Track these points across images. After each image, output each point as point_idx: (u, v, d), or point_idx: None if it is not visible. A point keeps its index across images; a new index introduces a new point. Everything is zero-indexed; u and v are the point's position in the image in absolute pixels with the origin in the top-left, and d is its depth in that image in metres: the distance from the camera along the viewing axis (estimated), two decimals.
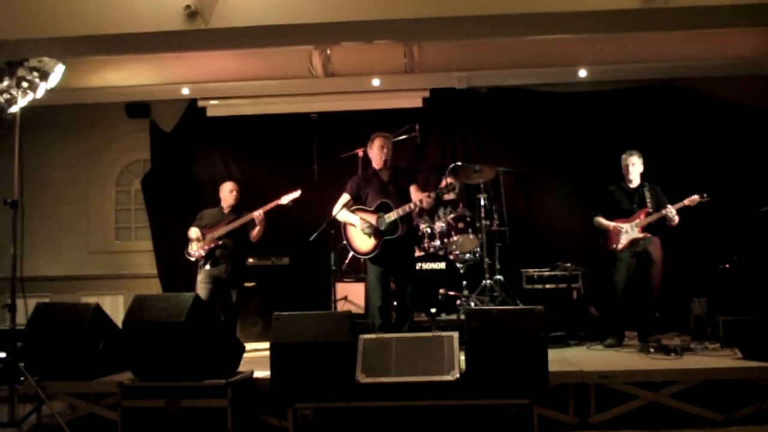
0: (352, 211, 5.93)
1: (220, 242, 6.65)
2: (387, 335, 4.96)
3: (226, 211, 6.87)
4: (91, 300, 8.26)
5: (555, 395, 4.85)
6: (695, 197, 6.22)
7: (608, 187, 6.58)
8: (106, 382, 5.41)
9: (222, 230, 6.67)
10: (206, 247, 6.66)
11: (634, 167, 6.41)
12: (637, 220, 6.30)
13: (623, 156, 6.48)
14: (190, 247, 6.73)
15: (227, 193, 6.89)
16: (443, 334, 4.75)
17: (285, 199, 6.71)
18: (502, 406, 4.44)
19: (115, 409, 5.17)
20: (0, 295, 7.74)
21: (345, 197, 6.00)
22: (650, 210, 6.30)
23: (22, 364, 5.38)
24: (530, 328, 4.60)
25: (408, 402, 4.52)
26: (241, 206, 6.90)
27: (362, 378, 4.61)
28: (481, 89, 8.39)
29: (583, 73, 7.91)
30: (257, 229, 6.68)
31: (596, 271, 7.42)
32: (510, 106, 8.35)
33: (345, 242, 6.03)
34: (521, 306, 6.48)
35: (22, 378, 5.37)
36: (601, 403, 4.93)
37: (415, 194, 5.82)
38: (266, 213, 6.68)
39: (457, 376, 4.54)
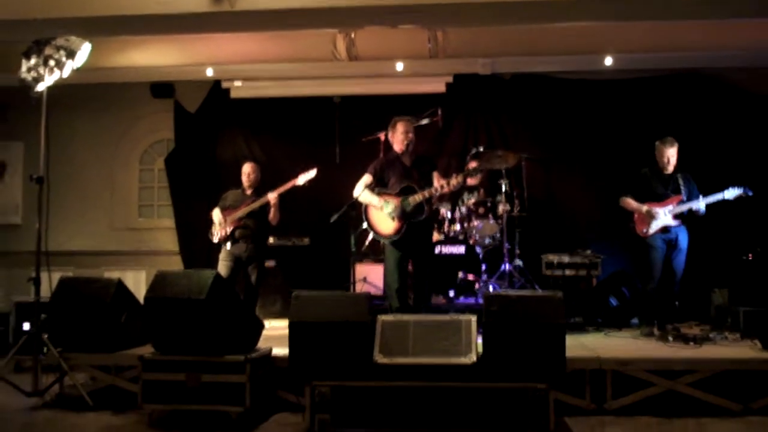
0: (375, 194, 5.89)
1: (241, 222, 6.72)
2: (405, 316, 4.97)
3: (248, 192, 6.93)
4: (114, 275, 8.39)
5: (572, 380, 4.88)
6: (737, 191, 6.11)
7: (641, 169, 6.47)
8: (127, 354, 5.51)
9: (242, 211, 6.74)
10: (228, 228, 6.73)
11: (672, 156, 6.32)
12: (671, 206, 6.24)
13: (659, 143, 6.37)
14: (212, 228, 6.82)
15: (244, 174, 6.96)
16: (461, 317, 4.76)
17: (301, 179, 6.72)
18: (518, 390, 4.44)
19: (135, 381, 5.27)
20: (26, 269, 7.94)
21: (368, 178, 5.97)
22: (683, 198, 6.25)
23: (46, 336, 5.50)
24: (549, 313, 4.60)
25: (424, 383, 4.55)
26: (262, 187, 6.94)
27: (380, 358, 4.64)
28: (505, 75, 8.36)
29: (609, 60, 7.84)
30: (272, 212, 6.73)
31: (617, 258, 7.43)
32: (534, 92, 8.31)
33: (366, 224, 6.00)
34: (540, 291, 6.47)
35: (45, 349, 5.49)
36: (618, 390, 4.96)
37: (438, 180, 5.79)
38: (286, 194, 6.73)
39: (474, 359, 4.56)
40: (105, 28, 5.92)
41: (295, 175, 6.80)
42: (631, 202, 6.43)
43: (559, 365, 4.54)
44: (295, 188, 6.77)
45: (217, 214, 6.86)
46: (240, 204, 6.82)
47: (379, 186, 5.95)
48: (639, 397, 4.94)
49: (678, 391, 4.92)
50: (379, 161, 6.16)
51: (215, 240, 6.81)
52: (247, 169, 7.00)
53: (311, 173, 6.73)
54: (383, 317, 4.85)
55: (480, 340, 4.69)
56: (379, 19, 6.13)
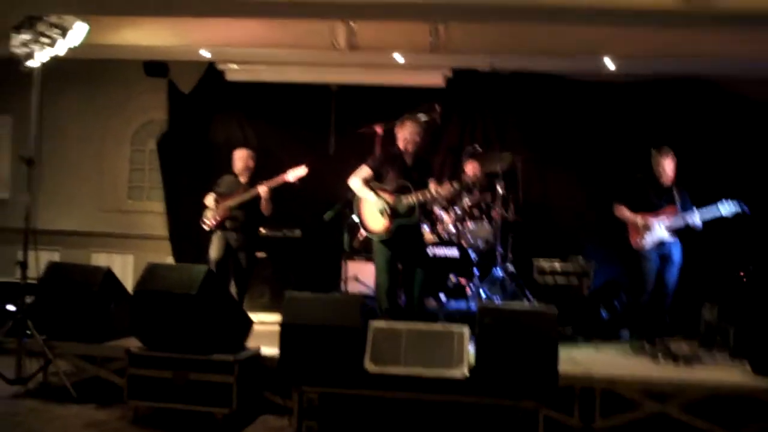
0: (370, 187, 5.82)
1: (231, 213, 6.65)
2: (398, 324, 4.91)
3: (241, 179, 6.83)
4: (101, 258, 8.37)
5: (561, 397, 4.82)
6: (734, 208, 6.07)
7: (636, 174, 6.43)
8: (114, 346, 5.44)
9: (233, 201, 6.65)
10: (219, 217, 6.65)
11: (669, 166, 6.29)
12: (665, 218, 6.21)
13: (656, 152, 6.32)
14: (204, 215, 6.73)
15: (239, 160, 6.85)
16: (454, 328, 4.71)
17: (291, 176, 6.62)
18: (509, 407, 4.42)
19: (120, 374, 5.21)
20: (10, 246, 7.84)
21: (366, 170, 5.88)
22: (678, 210, 6.21)
23: (30, 323, 5.40)
24: (542, 329, 4.57)
25: (415, 395, 4.51)
26: (257, 175, 6.83)
27: (371, 366, 4.59)
28: (505, 72, 8.24)
29: (610, 64, 7.75)
30: (263, 204, 6.64)
31: (609, 265, 7.39)
32: (533, 91, 8.16)
33: (357, 218, 5.92)
34: (534, 304, 6.46)
35: (28, 332, 5.39)
36: (607, 408, 4.93)
37: (433, 186, 5.72)
38: (274, 187, 6.63)
39: (466, 372, 4.52)
40: (97, 7, 5.75)
41: (292, 165, 6.71)
42: (625, 212, 6.40)
43: (551, 383, 4.51)
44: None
45: (210, 201, 6.77)
46: (233, 192, 6.73)
47: (376, 180, 5.87)
48: (628, 419, 4.93)
49: (667, 413, 4.91)
50: (379, 156, 6.10)
51: (206, 227, 6.73)
52: (241, 155, 6.89)
53: (301, 170, 6.62)
54: (375, 323, 4.80)
55: (472, 351, 4.66)
56: (381, 15, 6.02)
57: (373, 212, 5.77)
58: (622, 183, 6.57)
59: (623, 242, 6.50)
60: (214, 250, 6.64)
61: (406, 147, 5.84)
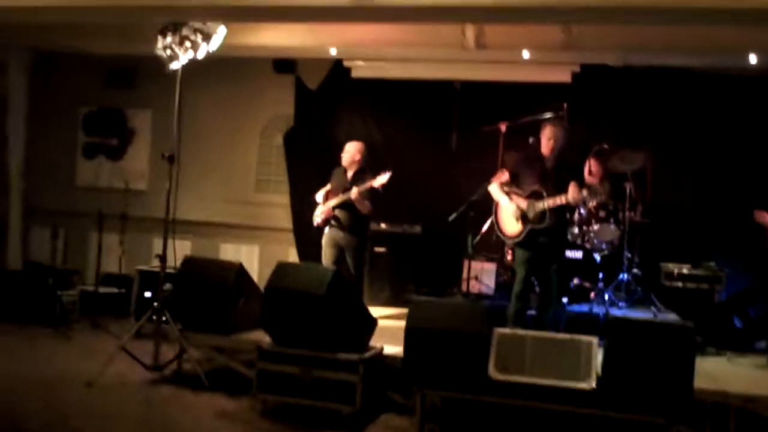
0: (506, 192, 5.86)
1: (334, 212, 6.71)
2: (523, 332, 4.89)
3: (349, 174, 6.83)
4: (229, 249, 8.72)
5: (692, 412, 4.65)
6: None
7: None
8: (244, 339, 5.66)
9: (334, 201, 6.70)
10: (324, 216, 6.74)
11: None
12: None
13: None
14: (315, 212, 6.85)
15: (345, 153, 6.86)
16: (582, 338, 4.61)
17: (377, 183, 6.49)
18: (638, 422, 4.30)
19: (249, 365, 5.40)
20: (148, 234, 8.32)
21: (504, 174, 5.99)
22: None
23: (167, 312, 5.68)
24: (678, 343, 4.42)
25: (540, 404, 4.46)
26: (368, 170, 6.76)
27: (495, 374, 4.57)
28: (638, 67, 7.92)
29: (753, 59, 7.29)
30: (359, 206, 6.59)
31: (743, 275, 7.03)
32: (668, 86, 7.73)
33: (493, 219, 6.02)
34: (661, 310, 6.23)
35: (165, 320, 5.69)
36: (741, 427, 4.70)
37: (573, 190, 5.59)
38: (396, 179, 6.55)
39: (594, 385, 4.43)
40: (242, 14, 5.94)
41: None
42: (766, 217, 6.07)
43: (684, 400, 4.36)
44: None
45: (321, 196, 6.86)
46: (340, 188, 6.75)
47: (517, 183, 5.90)
48: None
49: None
50: (519, 159, 6.13)
51: (314, 224, 6.83)
52: (350, 148, 6.89)
53: (385, 177, 6.47)
54: (500, 330, 4.76)
55: (599, 362, 4.55)
56: (514, 18, 5.95)
57: (508, 217, 5.83)
58: (764, 187, 6.19)
59: (761, 249, 6.16)
60: (326, 257, 6.73)
61: (546, 152, 5.79)
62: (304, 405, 5.03)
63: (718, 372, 5.38)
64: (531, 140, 6.53)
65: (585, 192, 5.51)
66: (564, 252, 6.21)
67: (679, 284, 6.76)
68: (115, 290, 8.01)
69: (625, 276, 6.88)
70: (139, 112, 9.21)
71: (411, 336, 4.78)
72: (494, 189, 5.93)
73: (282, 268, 5.34)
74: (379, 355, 5.27)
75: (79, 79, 9.27)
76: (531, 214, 5.67)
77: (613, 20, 6.14)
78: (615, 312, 6.61)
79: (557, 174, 5.73)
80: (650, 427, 4.32)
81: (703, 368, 5.38)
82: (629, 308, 6.83)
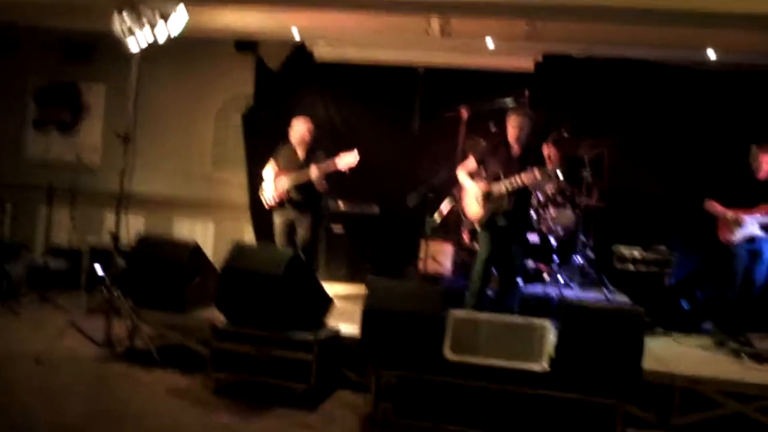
0: (471, 176, 6.00)
1: (288, 195, 6.57)
2: (478, 314, 4.96)
3: (298, 153, 6.66)
4: (184, 225, 8.63)
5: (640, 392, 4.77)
6: None
7: (730, 169, 6.26)
8: (198, 318, 5.62)
9: (290, 180, 6.53)
10: (279, 197, 6.59)
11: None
12: (759, 215, 6.03)
13: (756, 148, 6.11)
14: (263, 190, 6.68)
15: (294, 130, 6.67)
16: (535, 321, 4.68)
17: (342, 165, 6.34)
18: (588, 402, 4.40)
19: (203, 343, 5.39)
20: (99, 208, 8.15)
21: (471, 161, 6.08)
22: None
23: (118, 289, 5.61)
24: (628, 328, 4.51)
25: (492, 384, 4.53)
26: (318, 150, 6.64)
27: (450, 355, 4.61)
28: (600, 58, 7.99)
29: (711, 54, 7.40)
30: (316, 184, 6.48)
31: (692, 258, 7.19)
32: (628, 77, 7.83)
33: (457, 203, 6.32)
34: (620, 302, 6.35)
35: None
36: (685, 406, 4.85)
37: (529, 172, 5.66)
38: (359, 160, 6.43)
39: (546, 366, 4.51)
40: None
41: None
42: (716, 206, 6.22)
43: (633, 382, 4.46)
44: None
45: (269, 174, 6.68)
46: (289, 167, 6.59)
47: (483, 169, 5.99)
48: (706, 416, 4.84)
49: (747, 414, 4.80)
50: (485, 146, 6.31)
51: (266, 205, 6.67)
52: (300, 125, 6.68)
53: (351, 157, 6.33)
54: (456, 312, 4.81)
55: (552, 344, 4.63)
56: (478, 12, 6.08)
57: (471, 199, 5.98)
58: (716, 177, 6.34)
59: (710, 236, 6.31)
60: (278, 237, 6.60)
61: (514, 138, 5.88)
62: (257, 383, 5.03)
63: (665, 352, 5.51)
64: (493, 128, 6.61)
65: (539, 173, 5.58)
66: (524, 235, 6.29)
67: (631, 267, 6.93)
68: (64, 265, 7.86)
69: (579, 259, 6.99)
70: (92, 85, 8.99)
71: (368, 317, 4.80)
72: (462, 174, 6.07)
73: (239, 249, 5.31)
74: (335, 334, 5.29)
75: (36, 52, 9.04)
76: (492, 197, 5.81)
77: (576, 19, 6.32)
78: (568, 293, 6.77)
79: (522, 161, 5.82)
80: (600, 407, 4.41)
81: (652, 349, 5.52)
82: (582, 290, 6.97)
